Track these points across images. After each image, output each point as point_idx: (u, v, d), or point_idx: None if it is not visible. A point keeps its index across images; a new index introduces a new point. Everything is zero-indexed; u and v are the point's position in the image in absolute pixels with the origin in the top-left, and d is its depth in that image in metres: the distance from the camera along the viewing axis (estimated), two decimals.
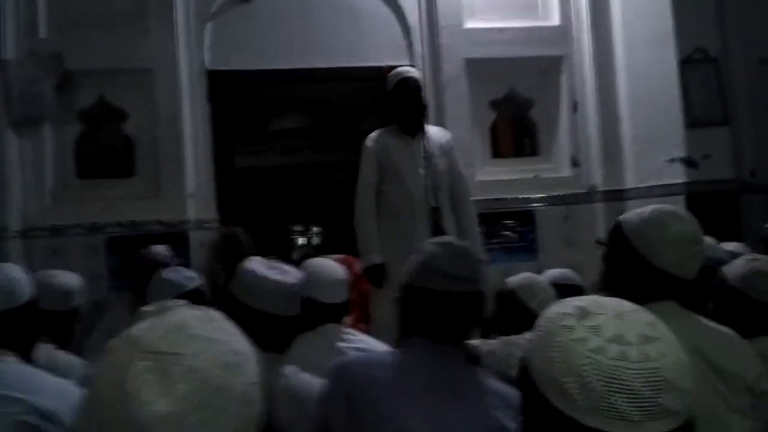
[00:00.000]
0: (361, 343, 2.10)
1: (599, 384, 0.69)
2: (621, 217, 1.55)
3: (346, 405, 1.36)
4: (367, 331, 2.58)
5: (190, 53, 3.87)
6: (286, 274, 1.66)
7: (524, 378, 0.78)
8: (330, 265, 2.20)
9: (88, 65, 3.70)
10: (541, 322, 0.79)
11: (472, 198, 3.51)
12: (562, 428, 0.71)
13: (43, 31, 3.71)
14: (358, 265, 3.33)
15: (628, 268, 1.46)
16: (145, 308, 0.79)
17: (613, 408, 0.68)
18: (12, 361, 1.61)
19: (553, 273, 2.73)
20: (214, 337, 0.72)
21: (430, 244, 1.55)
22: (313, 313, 2.03)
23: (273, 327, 1.59)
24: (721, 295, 1.76)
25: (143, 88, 3.79)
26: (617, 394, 0.68)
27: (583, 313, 0.76)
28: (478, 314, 1.50)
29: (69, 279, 2.45)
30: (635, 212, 1.52)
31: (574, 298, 0.80)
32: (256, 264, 1.67)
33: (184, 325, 0.72)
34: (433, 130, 3.47)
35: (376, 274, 3.22)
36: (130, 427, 0.64)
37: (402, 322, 1.52)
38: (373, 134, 3.43)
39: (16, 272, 1.70)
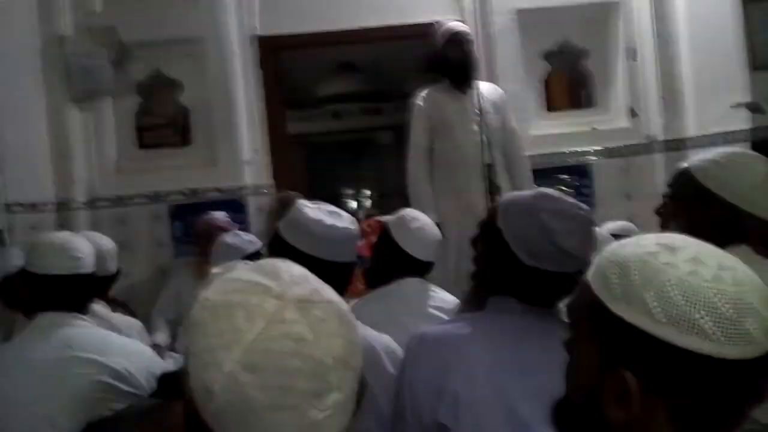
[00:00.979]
0: (441, 301, 2.07)
1: (731, 312, 0.66)
2: (688, 166, 1.47)
3: (433, 382, 1.20)
4: None
5: (240, 20, 3.88)
6: (341, 218, 1.61)
7: (615, 329, 0.71)
8: (431, 223, 2.18)
9: (142, 37, 3.75)
10: (618, 268, 0.72)
11: (526, 154, 3.46)
12: (692, 368, 0.67)
13: (97, 6, 3.78)
14: None
15: (708, 216, 1.38)
16: (215, 270, 0.81)
17: (746, 333, 0.66)
18: (84, 324, 1.69)
19: (612, 226, 2.68)
20: (325, 284, 0.75)
21: (550, 213, 1.25)
22: (401, 265, 2.06)
23: (326, 273, 1.55)
24: None
25: (195, 57, 3.84)
26: (747, 318, 0.66)
27: (672, 249, 0.72)
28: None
29: (107, 243, 2.51)
30: (704, 159, 1.45)
31: (638, 239, 0.76)
32: (310, 208, 1.62)
33: (308, 275, 0.74)
34: (484, 86, 3.41)
35: None
36: (314, 372, 0.66)
37: (486, 281, 1.36)
38: (423, 92, 3.40)
39: (81, 240, 1.77)
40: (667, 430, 0.70)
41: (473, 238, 1.41)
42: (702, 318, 0.67)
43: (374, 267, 2.18)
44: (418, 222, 2.13)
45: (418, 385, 1.22)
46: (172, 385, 1.36)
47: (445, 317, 1.91)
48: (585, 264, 1.21)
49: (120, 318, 2.30)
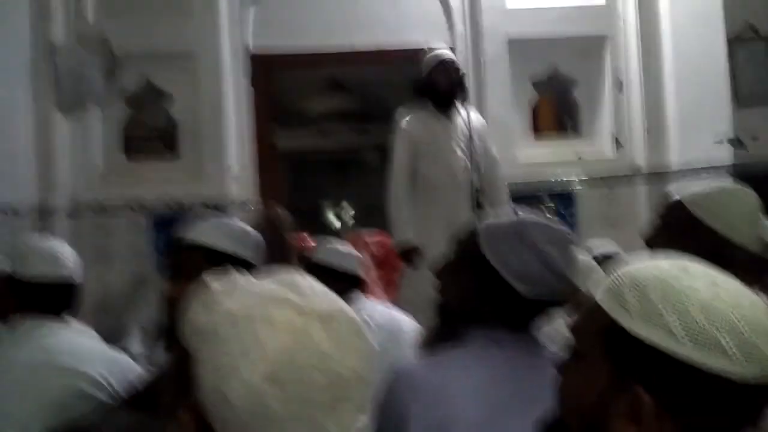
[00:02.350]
0: (372, 311, 2.25)
1: (750, 334, 0.68)
2: (680, 197, 1.49)
3: (428, 423, 1.11)
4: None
5: (233, 36, 3.90)
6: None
7: (630, 349, 0.71)
8: (344, 244, 2.55)
9: (134, 49, 3.76)
10: (636, 289, 0.72)
11: (505, 182, 3.47)
12: (708, 388, 0.68)
13: (91, 16, 3.78)
14: (392, 243, 3.38)
15: (699, 247, 1.33)
16: (210, 281, 0.80)
17: (763, 355, 0.68)
18: (63, 332, 1.65)
19: (599, 243, 2.72)
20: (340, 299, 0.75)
21: (544, 241, 1.20)
22: (341, 285, 2.13)
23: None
24: None
25: (187, 71, 3.85)
26: (764, 341, 0.67)
27: (688, 271, 0.73)
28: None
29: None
30: (696, 191, 1.48)
31: (651, 260, 0.76)
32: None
33: (325, 289, 0.75)
34: (470, 112, 3.43)
35: (411, 256, 3.23)
36: (337, 388, 0.67)
37: (468, 313, 1.26)
38: (407, 114, 3.42)
39: (64, 247, 1.75)
40: None
41: (444, 270, 1.34)
42: (725, 339, 0.68)
43: None
44: (336, 242, 2.48)
45: (413, 425, 1.12)
46: (143, 397, 1.34)
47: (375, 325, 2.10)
48: (571, 286, 1.20)
49: (73, 323, 2.26)
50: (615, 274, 0.77)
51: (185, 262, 1.57)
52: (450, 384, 1.14)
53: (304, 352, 0.67)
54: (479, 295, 1.23)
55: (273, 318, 0.68)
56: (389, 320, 2.28)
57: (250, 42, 3.94)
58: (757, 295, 0.74)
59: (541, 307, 1.22)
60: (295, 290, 0.72)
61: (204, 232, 1.60)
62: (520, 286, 1.19)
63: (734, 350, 0.67)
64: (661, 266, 0.74)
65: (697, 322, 0.68)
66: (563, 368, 0.82)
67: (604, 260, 2.22)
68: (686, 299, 0.70)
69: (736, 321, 0.68)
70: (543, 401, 0.84)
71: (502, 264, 1.20)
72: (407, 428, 1.11)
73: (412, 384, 1.16)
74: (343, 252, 2.43)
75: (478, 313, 1.24)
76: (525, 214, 1.29)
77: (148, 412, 1.18)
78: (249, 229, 1.68)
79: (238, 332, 0.68)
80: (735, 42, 3.58)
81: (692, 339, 0.68)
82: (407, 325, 2.30)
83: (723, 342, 0.67)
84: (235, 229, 1.64)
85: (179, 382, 0.72)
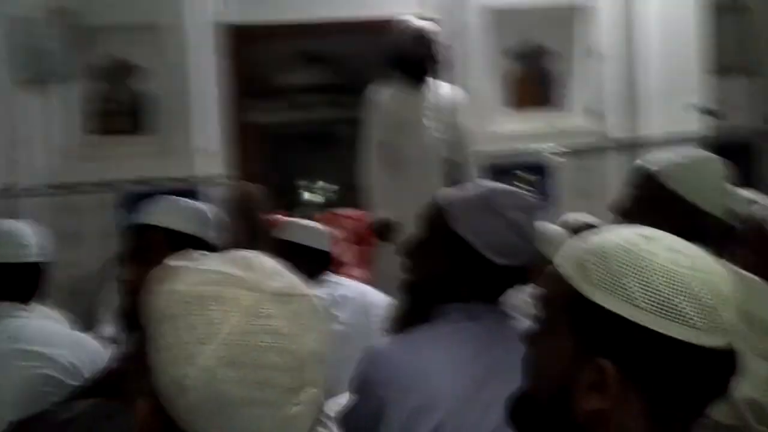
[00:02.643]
0: (342, 288, 2.30)
1: (710, 300, 0.68)
2: (652, 167, 1.49)
3: (410, 402, 1.10)
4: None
5: (200, 6, 3.80)
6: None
7: (593, 318, 0.70)
8: (314, 221, 2.62)
9: (98, 21, 3.67)
10: (597, 257, 0.71)
11: (475, 155, 3.45)
12: (670, 355, 0.67)
13: None
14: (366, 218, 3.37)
15: (671, 217, 1.36)
16: (174, 261, 0.76)
17: (724, 322, 0.68)
18: (29, 316, 1.63)
19: (576, 216, 2.73)
20: (297, 277, 0.73)
21: (513, 208, 1.21)
22: (310, 263, 2.20)
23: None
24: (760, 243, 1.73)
25: (152, 43, 3.76)
26: (723, 307, 0.68)
27: (648, 238, 0.72)
28: None
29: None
30: (667, 160, 1.48)
31: (611, 229, 0.76)
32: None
33: (280, 268, 0.72)
34: (442, 85, 3.40)
35: (383, 230, 3.20)
36: (291, 368, 0.66)
37: (443, 289, 1.24)
38: (378, 87, 3.38)
39: (28, 229, 1.71)
40: (639, 421, 0.70)
41: (413, 249, 1.31)
42: (684, 305, 0.67)
43: None
44: (305, 221, 2.53)
45: (393, 406, 1.11)
46: (106, 383, 1.30)
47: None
48: (538, 253, 1.23)
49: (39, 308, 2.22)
50: (576, 242, 0.77)
51: (144, 245, 1.53)
52: (427, 364, 1.13)
53: (256, 332, 0.65)
54: (453, 271, 1.22)
55: (225, 298, 0.66)
56: (360, 296, 2.30)
57: (220, 12, 3.84)
58: (724, 263, 0.73)
59: (511, 275, 1.22)
60: (246, 268, 0.69)
61: (163, 214, 1.56)
62: (493, 256, 1.19)
63: (694, 316, 0.67)
64: (621, 234, 0.74)
65: (656, 288, 0.68)
66: (530, 338, 0.81)
67: (580, 229, 2.21)
68: (646, 264, 0.69)
69: (695, 286, 0.68)
70: (520, 372, 0.84)
71: (474, 235, 1.19)
72: (386, 412, 1.11)
73: (389, 366, 1.15)
74: (313, 229, 2.43)
75: (451, 289, 1.23)
76: (488, 184, 1.30)
77: (111, 398, 1.15)
78: (209, 209, 1.65)
79: (190, 315, 0.65)
80: (713, 10, 3.57)
81: (652, 305, 0.68)
82: (379, 300, 2.31)
83: (682, 307, 0.67)
84: (195, 210, 1.61)
85: (140, 366, 0.70)
